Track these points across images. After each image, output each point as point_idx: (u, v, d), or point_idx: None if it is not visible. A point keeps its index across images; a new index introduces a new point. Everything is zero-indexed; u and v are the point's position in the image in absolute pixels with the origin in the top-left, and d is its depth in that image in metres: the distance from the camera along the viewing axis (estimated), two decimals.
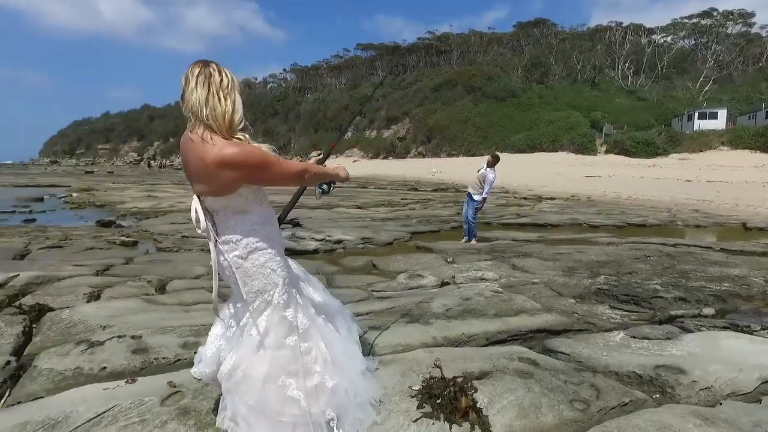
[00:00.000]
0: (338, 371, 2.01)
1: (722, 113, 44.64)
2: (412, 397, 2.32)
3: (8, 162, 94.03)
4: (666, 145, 40.89)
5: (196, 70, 1.72)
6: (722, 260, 6.55)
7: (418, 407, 2.24)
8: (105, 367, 2.56)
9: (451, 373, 2.49)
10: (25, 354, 2.88)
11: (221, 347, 1.97)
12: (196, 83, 1.70)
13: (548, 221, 11.00)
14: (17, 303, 3.82)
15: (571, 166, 36.02)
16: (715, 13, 69.79)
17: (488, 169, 8.07)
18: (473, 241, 8.00)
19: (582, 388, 2.55)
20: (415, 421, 2.13)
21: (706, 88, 57.84)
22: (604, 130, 47.60)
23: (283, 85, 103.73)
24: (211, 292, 1.89)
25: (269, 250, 1.89)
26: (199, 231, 1.82)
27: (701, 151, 38.58)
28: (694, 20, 71.23)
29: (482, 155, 50.38)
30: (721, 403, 2.38)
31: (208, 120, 1.70)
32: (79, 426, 1.97)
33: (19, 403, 2.27)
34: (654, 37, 73.23)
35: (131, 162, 77.77)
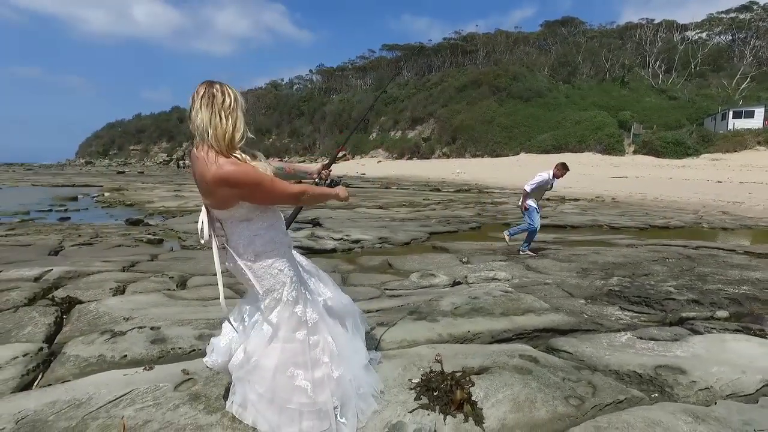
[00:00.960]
0: (343, 363, 2.14)
1: (759, 111, 42.98)
2: (411, 389, 2.42)
3: (45, 163, 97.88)
4: (697, 146, 39.70)
5: (201, 91, 1.84)
6: (744, 263, 6.42)
7: (415, 399, 2.34)
8: (126, 356, 2.76)
9: (451, 368, 2.58)
10: (55, 342, 3.11)
11: (233, 339, 2.13)
12: (201, 104, 1.82)
13: (568, 222, 10.91)
14: (50, 295, 4.08)
15: (597, 167, 35.36)
16: (755, 7, 67.23)
17: (550, 175, 7.32)
18: (525, 250, 7.19)
19: (579, 385, 2.61)
20: (411, 411, 2.23)
21: (743, 86, 55.79)
22: (632, 130, 46.50)
23: (309, 86, 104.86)
24: (225, 288, 2.06)
25: (275, 252, 2.03)
26: (202, 242, 1.98)
27: (735, 151, 37.30)
28: (732, 15, 68.81)
29: (507, 156, 50.05)
30: (716, 403, 2.41)
31: (210, 140, 1.82)
32: (101, 407, 2.15)
33: (50, 385, 2.48)
34: (688, 33, 71.08)
35: (161, 162, 79.99)
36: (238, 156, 1.87)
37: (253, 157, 1.96)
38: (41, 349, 2.85)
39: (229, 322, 2.10)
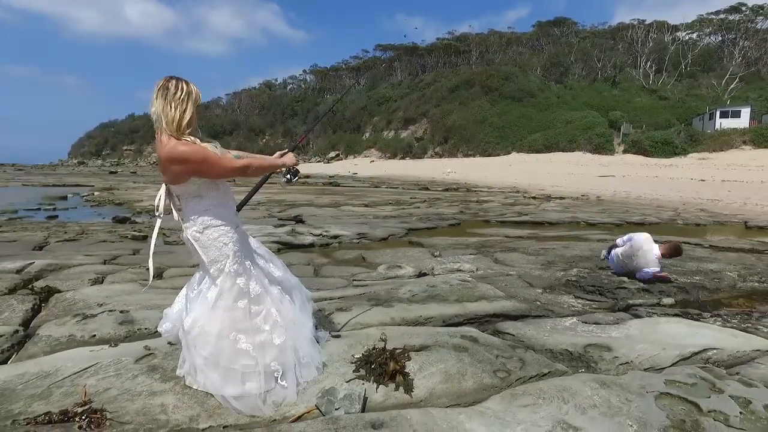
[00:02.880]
0: (286, 333, 2.38)
1: (745, 111, 43.59)
2: (352, 363, 2.66)
3: (38, 163, 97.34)
4: (685, 145, 40.22)
5: (159, 84, 2.18)
6: (705, 256, 6.71)
7: (354, 371, 2.58)
8: (94, 335, 2.99)
9: (394, 346, 2.83)
10: (31, 326, 3.33)
11: (185, 307, 2.40)
12: (157, 95, 2.17)
13: (547, 219, 11.19)
14: (30, 286, 4.29)
15: (586, 166, 35.78)
16: (743, 8, 67.99)
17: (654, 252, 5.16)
18: None
19: (510, 361, 2.86)
20: (348, 381, 2.47)
21: (732, 86, 56.48)
22: (622, 129, 47.01)
23: (303, 86, 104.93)
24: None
25: (222, 228, 2.31)
26: (157, 214, 2.24)
27: (722, 150, 37.82)
28: (722, 16, 69.54)
29: (498, 155, 50.45)
30: (626, 373, 2.66)
31: (163, 125, 2.15)
32: (66, 377, 2.37)
33: (22, 361, 2.70)
34: (678, 34, 71.71)
35: (154, 163, 79.76)
36: (188, 139, 2.17)
37: (209, 143, 2.27)
38: (17, 331, 3.07)
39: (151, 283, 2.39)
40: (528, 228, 9.96)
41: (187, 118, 2.16)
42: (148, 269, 4.94)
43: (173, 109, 2.12)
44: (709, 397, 2.28)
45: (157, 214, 2.27)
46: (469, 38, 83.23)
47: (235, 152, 2.56)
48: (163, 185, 2.29)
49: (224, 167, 2.24)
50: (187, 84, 2.20)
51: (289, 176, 2.67)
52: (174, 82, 2.17)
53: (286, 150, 2.83)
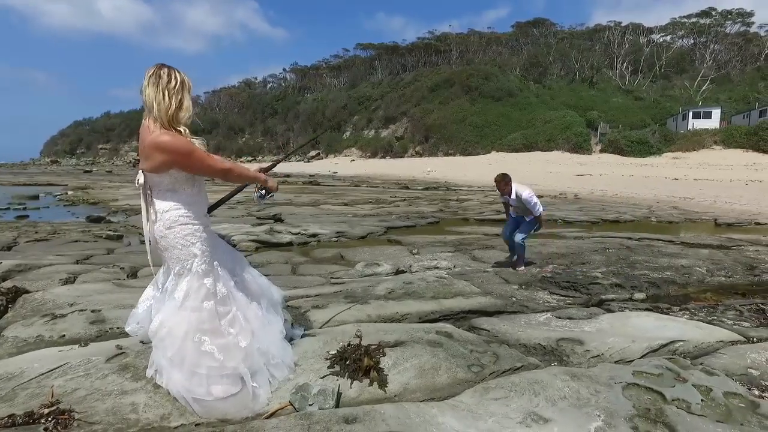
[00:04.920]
0: (253, 335, 2.35)
1: (716, 112, 44.88)
2: (327, 359, 2.66)
3: (6, 162, 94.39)
4: (660, 144, 41.18)
5: (151, 71, 2.14)
6: (676, 252, 6.88)
7: (328, 367, 2.58)
8: (64, 335, 2.93)
9: (369, 343, 2.84)
10: None
11: (151, 307, 2.35)
12: (148, 82, 2.12)
13: None
14: None
15: (564, 165, 36.33)
16: (713, 13, 69.92)
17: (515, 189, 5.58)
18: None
19: (484, 356, 2.89)
20: (322, 377, 2.47)
21: (703, 88, 58.11)
22: (599, 129, 47.91)
23: (283, 84, 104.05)
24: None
25: (190, 226, 2.26)
26: (137, 185, 2.23)
27: (694, 150, 38.84)
28: (693, 20, 71.39)
29: (478, 154, 50.90)
30: (596, 366, 2.72)
31: (155, 114, 2.12)
32: (32, 378, 2.32)
33: None
34: (653, 36, 73.40)
35: (130, 162, 78.26)
36: (180, 130, 2.16)
37: (196, 139, 2.25)
38: None
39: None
40: None
41: (184, 109, 2.15)
42: (122, 269, 4.90)
43: (167, 99, 2.09)
44: (674, 386, 2.35)
45: (137, 185, 2.22)
46: (449, 38, 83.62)
47: (216, 157, 2.54)
48: (140, 172, 2.23)
49: (209, 165, 2.22)
50: (179, 73, 2.17)
51: (263, 192, 2.64)
52: (166, 70, 2.13)
53: (269, 165, 2.81)
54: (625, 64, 67.23)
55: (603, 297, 4.61)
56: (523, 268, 5.62)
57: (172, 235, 2.22)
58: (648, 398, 2.25)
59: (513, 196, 5.54)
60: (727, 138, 39.05)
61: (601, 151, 44.56)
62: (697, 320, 3.72)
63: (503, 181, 5.57)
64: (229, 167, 2.35)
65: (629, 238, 8.15)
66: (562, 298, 4.65)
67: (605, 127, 48.48)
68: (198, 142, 2.23)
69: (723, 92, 56.09)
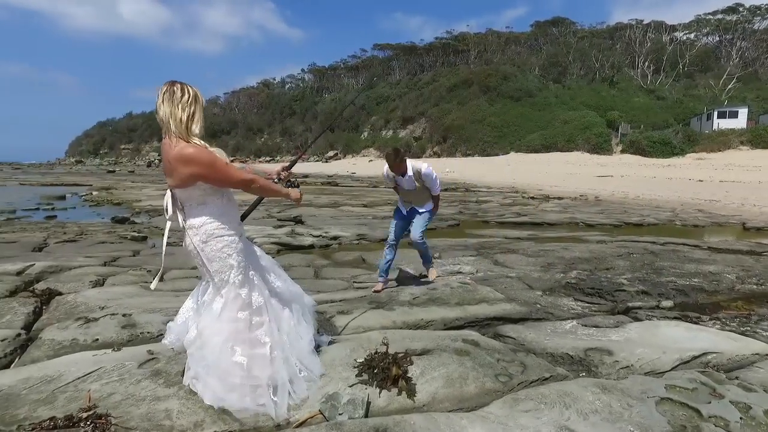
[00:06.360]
0: (284, 346, 2.38)
1: (743, 112, 43.74)
2: (355, 367, 2.67)
3: (35, 162, 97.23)
4: (683, 145, 40.31)
5: (164, 89, 2.19)
6: (703, 258, 6.73)
7: (356, 375, 2.59)
8: (97, 339, 2.99)
9: (396, 350, 2.84)
10: (33, 329, 3.33)
11: (189, 318, 2.39)
12: (163, 99, 2.17)
13: (546, 220, 11.21)
14: (32, 288, 4.29)
15: (584, 166, 35.84)
16: (741, 9, 68.15)
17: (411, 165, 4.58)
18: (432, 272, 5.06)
19: (512, 365, 2.87)
20: (351, 386, 2.48)
21: (729, 86, 56.66)
22: (620, 129, 47.12)
23: (301, 85, 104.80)
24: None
25: (226, 238, 2.29)
26: (167, 217, 2.25)
27: (719, 150, 37.93)
28: (719, 16, 69.71)
29: (497, 155, 50.52)
30: (627, 377, 2.68)
31: (172, 129, 2.16)
32: (70, 382, 2.38)
33: (25, 365, 2.71)
34: (676, 34, 71.89)
35: (150, 162, 79.63)
36: (197, 142, 2.19)
37: (215, 149, 2.29)
38: (19, 334, 3.08)
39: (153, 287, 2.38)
40: (527, 229, 9.99)
41: (196, 121, 2.19)
42: (149, 271, 5.00)
43: (181, 112, 2.14)
44: (710, 402, 2.30)
45: (167, 216, 2.27)
46: (468, 38, 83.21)
47: (238, 164, 2.57)
48: (168, 191, 2.28)
49: (230, 175, 2.24)
50: (191, 87, 2.22)
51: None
52: (179, 86, 2.19)
53: (288, 164, 2.83)
54: (646, 63, 65.98)
55: (629, 304, 4.53)
56: (434, 270, 4.98)
57: (208, 248, 2.26)
58: (683, 414, 2.20)
59: (410, 173, 4.48)
60: (754, 138, 38.05)
61: (622, 151, 43.82)
62: (730, 330, 3.63)
63: (397, 158, 4.43)
64: (250, 178, 2.35)
65: (654, 243, 7.99)
66: (587, 305, 4.58)
67: (626, 127, 47.66)
68: (218, 152, 2.27)
69: (750, 91, 54.60)
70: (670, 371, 2.88)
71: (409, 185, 4.58)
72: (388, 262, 4.70)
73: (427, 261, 5.00)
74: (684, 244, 7.91)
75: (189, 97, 2.18)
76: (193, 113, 2.19)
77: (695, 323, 3.89)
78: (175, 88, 2.17)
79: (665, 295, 4.89)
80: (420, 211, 4.71)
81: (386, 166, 4.60)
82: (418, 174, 4.50)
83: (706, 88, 57.50)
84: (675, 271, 5.81)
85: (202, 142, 2.22)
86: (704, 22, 71.22)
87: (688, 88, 59.82)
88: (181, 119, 2.14)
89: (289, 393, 2.30)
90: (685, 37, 71.08)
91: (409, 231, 4.80)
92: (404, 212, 4.79)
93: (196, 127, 2.20)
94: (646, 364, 2.95)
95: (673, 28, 73.04)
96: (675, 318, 4.07)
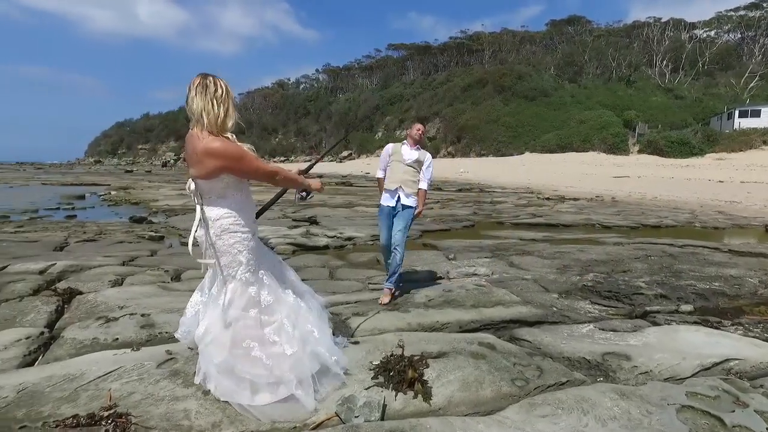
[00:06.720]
0: (301, 343, 2.39)
1: (766, 111, 42.68)
2: (371, 370, 2.68)
3: (55, 162, 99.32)
4: (702, 145, 39.54)
5: (197, 81, 2.21)
6: (724, 261, 6.60)
7: (372, 378, 2.60)
8: (117, 338, 3.05)
9: (412, 353, 2.84)
10: (56, 327, 3.40)
11: (199, 311, 2.43)
12: (196, 92, 2.19)
13: (561, 221, 11.10)
14: (53, 287, 4.38)
15: (600, 167, 35.39)
16: (764, 4, 66.53)
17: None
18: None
19: (528, 369, 2.85)
20: (367, 388, 2.49)
21: (751, 85, 55.41)
22: (637, 129, 46.41)
23: (316, 85, 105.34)
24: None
25: (239, 234, 2.33)
26: (188, 192, 2.30)
27: (741, 150, 37.13)
28: (741, 12, 68.21)
29: (512, 155, 50.15)
30: (645, 383, 2.64)
31: (205, 122, 2.18)
32: (91, 381, 2.42)
33: (48, 363, 2.77)
34: (696, 32, 70.54)
35: (165, 163, 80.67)
36: (228, 137, 2.24)
37: (243, 144, 2.32)
38: (42, 333, 3.15)
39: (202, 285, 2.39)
40: (542, 230, 9.90)
41: (231, 116, 2.22)
42: (167, 271, 5.06)
43: (216, 107, 2.17)
44: (733, 411, 2.25)
45: (188, 192, 2.30)
46: (482, 37, 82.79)
47: (264, 160, 2.61)
48: (190, 180, 2.29)
49: (258, 167, 2.30)
50: (223, 82, 2.25)
51: (303, 194, 2.70)
52: (211, 79, 2.21)
53: (307, 166, 2.87)
54: (665, 62, 64.86)
55: (647, 308, 4.46)
56: (389, 295, 4.18)
57: (220, 242, 2.28)
58: (705, 423, 2.17)
59: (418, 147, 4.48)
60: None
61: (639, 151, 43.15)
62: (753, 336, 3.56)
63: (424, 125, 4.59)
64: (275, 170, 2.43)
65: (672, 245, 7.85)
66: (604, 308, 4.52)
67: (643, 127, 46.91)
68: (247, 147, 2.31)
69: None
70: (690, 378, 2.84)
71: (410, 157, 4.46)
72: (389, 266, 4.39)
73: (392, 275, 4.28)
74: (704, 247, 7.76)
75: (222, 92, 2.21)
76: (227, 108, 2.22)
77: (716, 328, 3.82)
78: (207, 82, 2.19)
79: (684, 299, 4.80)
80: (405, 203, 4.44)
81: (390, 145, 4.65)
82: (423, 154, 4.51)
83: (727, 86, 56.34)
84: (694, 274, 5.70)
85: (233, 136, 2.26)
86: (725, 18, 69.77)
87: (708, 86, 58.65)
88: (218, 116, 2.17)
89: (316, 387, 2.32)
90: (705, 35, 69.66)
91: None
92: (388, 205, 4.55)
93: (230, 123, 2.24)
94: (665, 370, 2.91)
95: (693, 26, 71.66)
96: (695, 323, 4.00)
